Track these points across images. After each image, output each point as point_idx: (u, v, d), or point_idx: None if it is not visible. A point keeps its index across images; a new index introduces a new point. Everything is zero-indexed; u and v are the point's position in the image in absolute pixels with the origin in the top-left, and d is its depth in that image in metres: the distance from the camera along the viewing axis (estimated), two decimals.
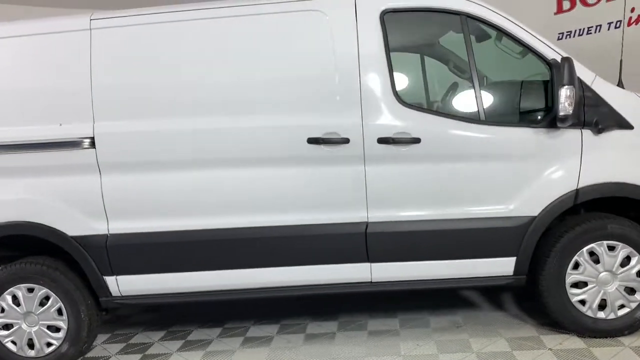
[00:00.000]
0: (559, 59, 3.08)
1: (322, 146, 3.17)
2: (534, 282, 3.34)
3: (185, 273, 3.36)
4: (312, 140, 3.17)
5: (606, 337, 3.29)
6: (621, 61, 3.63)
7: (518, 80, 3.25)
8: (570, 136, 3.16)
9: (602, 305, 3.28)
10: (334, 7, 3.21)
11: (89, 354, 3.77)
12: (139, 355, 3.70)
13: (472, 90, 3.20)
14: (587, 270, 3.24)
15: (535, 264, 3.30)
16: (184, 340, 3.89)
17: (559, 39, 5.81)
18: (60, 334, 3.45)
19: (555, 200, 3.19)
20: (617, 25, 5.29)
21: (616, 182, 3.18)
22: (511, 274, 3.29)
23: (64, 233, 3.32)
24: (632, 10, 5.21)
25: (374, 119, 3.17)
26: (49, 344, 3.46)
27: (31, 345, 3.46)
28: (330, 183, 3.23)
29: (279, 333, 3.86)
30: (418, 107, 3.25)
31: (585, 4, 5.82)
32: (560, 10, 5.95)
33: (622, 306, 3.27)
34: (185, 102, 3.24)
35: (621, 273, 3.24)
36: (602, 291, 3.26)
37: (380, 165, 3.20)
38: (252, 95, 3.21)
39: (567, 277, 3.25)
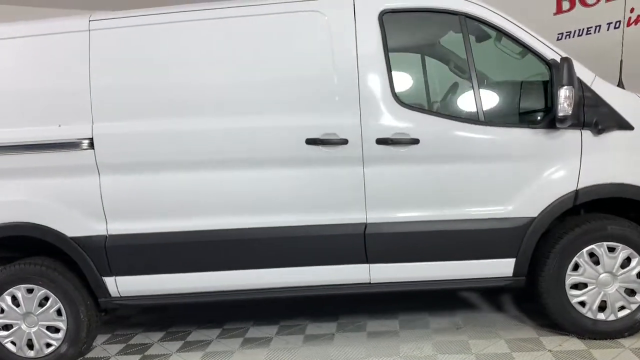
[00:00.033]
0: (558, 59, 3.06)
1: (320, 147, 3.17)
2: (533, 284, 3.33)
3: (184, 274, 3.36)
4: (311, 141, 3.17)
5: (606, 339, 3.27)
6: (621, 61, 3.62)
7: (517, 80, 3.23)
8: (570, 137, 3.14)
9: (602, 307, 3.26)
10: (333, 7, 3.20)
11: (89, 355, 3.78)
12: (139, 356, 3.70)
13: (472, 91, 3.19)
14: (587, 271, 3.22)
15: (534, 265, 3.28)
16: (183, 341, 3.89)
17: (558, 39, 5.80)
18: (60, 335, 3.46)
19: (554, 201, 3.17)
20: (617, 26, 5.28)
21: (616, 183, 3.16)
22: (510, 275, 3.28)
23: (62, 234, 3.33)
24: (632, 10, 5.20)
25: (372, 120, 3.16)
26: (48, 345, 3.47)
27: (30, 345, 3.47)
28: (328, 184, 3.22)
29: (278, 334, 3.85)
30: (417, 108, 3.23)
31: (585, 5, 5.81)
32: (559, 10, 5.94)
33: (622, 308, 3.25)
34: (183, 103, 3.24)
35: (621, 274, 3.22)
36: (602, 292, 3.24)
37: (379, 166, 3.19)
38: (250, 95, 3.21)
39: (567, 278, 3.23)
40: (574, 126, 3.10)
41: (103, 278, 3.38)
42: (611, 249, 3.20)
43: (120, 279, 3.38)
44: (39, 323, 3.45)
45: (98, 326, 3.70)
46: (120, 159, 3.27)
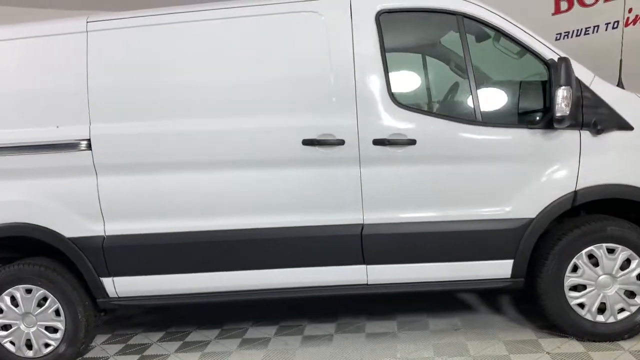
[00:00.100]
0: (556, 59, 3.03)
1: (317, 147, 3.16)
2: (532, 285, 3.30)
3: (181, 275, 3.36)
4: (307, 142, 3.16)
5: (605, 341, 3.24)
6: (621, 61, 3.58)
7: (516, 80, 3.20)
8: (569, 137, 3.12)
9: (601, 309, 3.23)
10: (329, 8, 3.19)
11: (88, 355, 3.79)
12: (137, 356, 3.71)
13: (469, 91, 3.17)
14: (586, 273, 3.20)
15: (533, 267, 3.26)
16: (182, 342, 3.89)
17: (556, 39, 5.77)
18: (58, 335, 3.47)
19: (553, 202, 3.15)
20: (615, 26, 5.26)
21: (615, 184, 3.13)
22: (508, 276, 3.25)
23: (60, 234, 3.34)
24: (630, 10, 5.17)
25: (369, 120, 3.15)
26: (46, 345, 3.48)
27: (29, 345, 3.49)
28: (325, 185, 3.22)
29: (277, 334, 3.85)
30: (414, 109, 3.21)
31: (583, 5, 5.79)
32: (558, 10, 5.92)
33: (621, 310, 3.22)
34: (180, 104, 3.24)
35: (621, 276, 3.19)
36: (601, 294, 3.21)
37: (375, 166, 3.17)
38: (247, 96, 3.21)
39: (566, 280, 3.21)
40: (572, 126, 3.07)
41: (101, 278, 3.39)
42: (610, 251, 3.17)
43: (117, 279, 3.39)
44: (38, 323, 3.46)
45: (96, 326, 3.71)
46: (118, 159, 3.28)
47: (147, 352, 3.76)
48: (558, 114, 2.93)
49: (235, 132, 3.21)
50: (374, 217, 3.23)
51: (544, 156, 3.14)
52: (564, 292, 3.21)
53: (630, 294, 3.21)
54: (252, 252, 3.30)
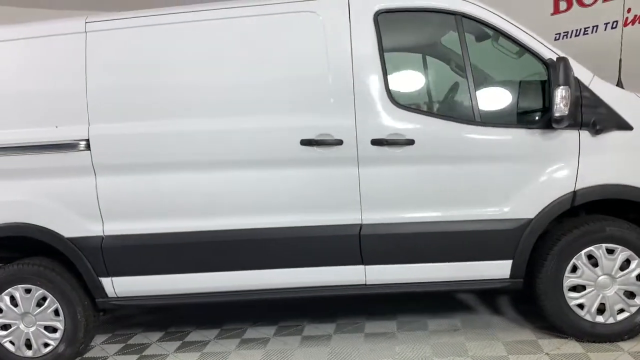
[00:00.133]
0: (555, 58, 3.02)
1: (315, 147, 3.15)
2: (531, 286, 3.29)
3: (180, 275, 3.37)
4: (306, 142, 3.16)
5: (605, 342, 3.23)
6: (620, 60, 3.57)
7: (514, 80, 3.19)
8: (568, 137, 3.10)
9: (601, 310, 3.21)
10: (327, 8, 3.18)
11: (88, 354, 3.80)
12: (136, 356, 3.71)
13: (468, 91, 3.16)
14: (585, 273, 3.18)
15: (532, 267, 3.25)
16: (181, 342, 3.90)
17: (555, 39, 5.77)
18: (57, 335, 3.48)
19: (552, 202, 3.13)
20: (614, 26, 5.25)
21: (615, 184, 3.12)
22: (507, 277, 3.24)
23: (59, 234, 3.35)
24: (629, 10, 5.16)
25: (367, 120, 3.14)
26: (46, 345, 3.49)
27: (29, 345, 3.50)
28: (323, 185, 3.21)
29: (276, 335, 3.85)
30: (412, 109, 3.20)
31: (582, 5, 5.78)
32: (556, 10, 5.92)
33: (621, 310, 3.21)
34: (179, 104, 3.25)
35: (620, 277, 3.17)
36: (600, 295, 3.19)
37: (374, 167, 3.17)
38: (245, 96, 3.21)
39: (565, 280, 3.19)
40: (571, 126, 3.05)
41: (100, 278, 3.40)
42: (610, 251, 3.16)
43: (116, 279, 3.40)
44: (37, 323, 3.47)
45: (96, 326, 3.72)
46: (117, 160, 3.28)
47: (147, 352, 3.77)
48: (557, 114, 2.91)
49: (234, 132, 3.20)
50: (372, 217, 3.22)
51: (543, 156, 3.12)
52: (563, 292, 3.20)
53: (630, 295, 3.20)
54: (250, 252, 3.30)
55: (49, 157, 3.28)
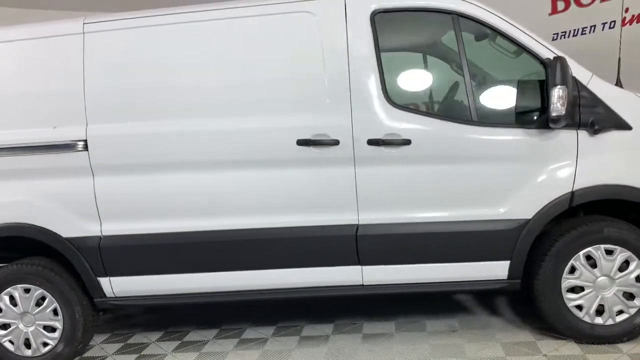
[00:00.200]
0: (552, 58, 3.00)
1: (311, 148, 3.15)
2: (529, 287, 3.26)
3: (177, 275, 3.37)
4: (302, 142, 3.15)
5: (604, 344, 3.20)
6: (619, 60, 3.53)
7: (511, 80, 3.17)
8: (566, 137, 3.08)
9: (599, 311, 3.18)
10: (324, 8, 3.18)
11: (87, 354, 3.82)
12: (135, 356, 3.73)
13: (465, 91, 3.15)
14: (583, 274, 3.15)
15: (530, 268, 3.22)
16: (180, 341, 3.91)
17: (553, 39, 5.77)
18: (56, 334, 3.50)
19: (549, 202, 3.11)
20: (612, 26, 5.24)
21: (613, 185, 3.09)
22: (505, 278, 3.22)
23: (58, 234, 3.37)
24: (627, 10, 5.13)
25: (364, 120, 3.13)
26: (45, 344, 3.51)
27: (28, 344, 3.52)
28: (320, 185, 3.21)
29: (274, 335, 3.85)
30: (409, 109, 3.19)
31: (580, 5, 5.77)
32: (554, 10, 5.91)
33: (620, 312, 3.18)
34: (175, 105, 3.26)
35: (619, 278, 3.14)
36: (599, 296, 3.16)
37: (370, 167, 3.16)
38: (241, 97, 3.21)
39: (563, 281, 3.17)
40: (569, 126, 3.03)
41: (98, 278, 3.41)
42: (609, 252, 3.13)
43: (114, 279, 3.41)
44: (36, 322, 3.49)
45: (95, 326, 3.74)
46: (114, 160, 3.29)
47: (145, 352, 3.78)
48: (554, 114, 2.89)
49: (230, 132, 3.21)
50: (368, 217, 3.21)
51: (541, 156, 3.10)
52: (561, 293, 3.17)
53: (629, 296, 3.17)
54: (247, 252, 3.30)
55: (47, 158, 3.30)
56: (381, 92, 3.13)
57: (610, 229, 3.11)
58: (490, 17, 3.14)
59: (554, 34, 5.87)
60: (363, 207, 3.20)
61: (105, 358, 3.74)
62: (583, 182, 3.08)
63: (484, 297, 4.19)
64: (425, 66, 3.64)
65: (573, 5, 5.81)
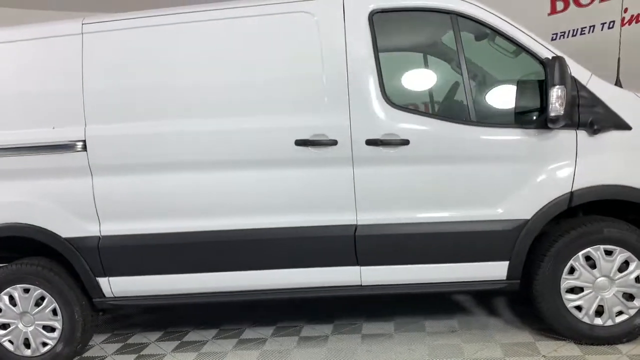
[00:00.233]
0: (550, 57, 2.98)
1: (309, 148, 3.15)
2: (528, 287, 3.25)
3: (176, 275, 3.38)
4: (300, 142, 3.15)
5: (604, 345, 3.18)
6: (619, 59, 3.52)
7: (510, 79, 3.16)
8: (565, 137, 3.07)
9: (599, 312, 3.17)
10: (322, 8, 3.17)
11: (87, 353, 3.83)
12: (134, 356, 3.73)
13: (463, 91, 3.14)
14: (583, 275, 3.14)
15: (529, 269, 3.21)
16: (179, 341, 3.91)
17: (552, 39, 5.77)
18: (55, 334, 3.50)
19: (548, 203, 3.10)
20: (611, 26, 5.23)
21: (613, 185, 3.08)
22: (504, 278, 3.21)
23: (57, 234, 3.37)
24: (625, 11, 5.12)
25: (362, 121, 3.13)
26: (44, 344, 3.52)
27: (27, 344, 3.52)
28: (318, 185, 3.20)
29: (273, 335, 3.85)
30: (407, 109, 3.18)
31: (579, 5, 5.77)
32: (553, 11, 5.91)
33: (620, 313, 3.16)
34: (174, 105, 3.26)
35: (619, 278, 3.13)
36: (599, 297, 3.15)
37: (369, 167, 3.15)
38: (240, 97, 3.21)
39: (562, 282, 3.15)
40: (568, 126, 3.02)
41: (97, 278, 3.42)
42: (608, 252, 3.11)
43: (113, 279, 3.42)
44: (35, 322, 3.50)
45: (95, 326, 3.75)
46: (113, 160, 3.30)
47: (145, 352, 3.79)
48: (552, 114, 2.88)
49: (228, 132, 3.21)
50: (367, 217, 3.21)
51: (540, 156, 3.09)
52: (560, 294, 3.16)
53: (629, 297, 3.15)
54: (245, 252, 3.30)
55: (47, 158, 3.31)
56: (379, 92, 3.13)
57: (610, 230, 3.09)
58: (489, 17, 3.13)
59: (553, 34, 5.87)
60: (361, 208, 3.20)
61: (104, 358, 3.75)
62: (582, 183, 3.07)
63: (483, 297, 4.18)
64: (424, 66, 3.63)
65: (572, 6, 5.81)
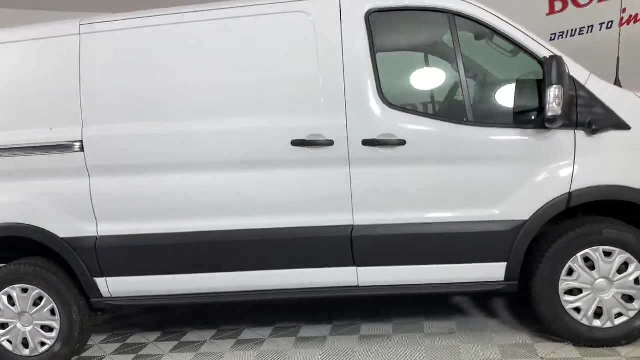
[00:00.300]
0: (548, 57, 2.96)
1: (306, 148, 3.13)
2: (527, 288, 3.23)
3: (173, 275, 3.38)
4: (296, 143, 3.14)
5: (602, 347, 3.15)
6: (618, 59, 3.48)
7: (508, 79, 3.14)
8: (563, 137, 3.04)
9: (598, 313, 3.14)
10: (318, 8, 3.16)
11: (85, 353, 3.83)
12: (132, 356, 3.74)
13: (460, 91, 3.11)
14: (581, 276, 3.11)
15: (528, 270, 3.19)
16: (178, 342, 3.91)
17: (551, 39, 5.75)
18: (53, 334, 3.51)
19: (546, 203, 3.07)
20: (609, 26, 5.20)
21: (612, 185, 3.04)
22: (502, 279, 3.19)
23: (54, 235, 3.38)
24: (624, 11, 5.09)
25: (358, 121, 3.11)
26: (42, 344, 3.53)
27: (26, 344, 3.53)
28: (315, 186, 3.19)
29: (271, 336, 3.84)
30: (404, 109, 3.16)
31: (577, 5, 5.74)
32: (552, 11, 5.88)
33: (619, 315, 3.13)
34: (171, 106, 3.26)
35: (618, 280, 3.09)
36: (597, 299, 3.12)
37: (365, 167, 3.14)
38: (236, 97, 3.20)
39: (561, 283, 3.12)
40: (566, 126, 2.99)
41: (94, 278, 3.43)
42: (607, 254, 3.08)
43: (110, 279, 3.42)
44: (34, 322, 3.51)
45: (93, 326, 3.76)
46: (110, 161, 3.30)
47: (143, 352, 3.79)
48: (550, 114, 2.85)
49: (225, 133, 3.20)
50: (364, 218, 3.19)
51: (538, 157, 3.06)
52: (558, 295, 3.13)
53: (628, 299, 3.12)
54: (243, 253, 3.29)
55: (44, 159, 3.32)
56: (376, 92, 3.11)
57: (609, 231, 3.06)
58: (486, 16, 3.10)
59: (551, 35, 5.83)
60: (358, 208, 3.18)
61: (103, 358, 3.75)
62: (581, 183, 3.04)
63: (482, 299, 4.16)
64: (421, 66, 3.60)
65: (571, 6, 5.78)
